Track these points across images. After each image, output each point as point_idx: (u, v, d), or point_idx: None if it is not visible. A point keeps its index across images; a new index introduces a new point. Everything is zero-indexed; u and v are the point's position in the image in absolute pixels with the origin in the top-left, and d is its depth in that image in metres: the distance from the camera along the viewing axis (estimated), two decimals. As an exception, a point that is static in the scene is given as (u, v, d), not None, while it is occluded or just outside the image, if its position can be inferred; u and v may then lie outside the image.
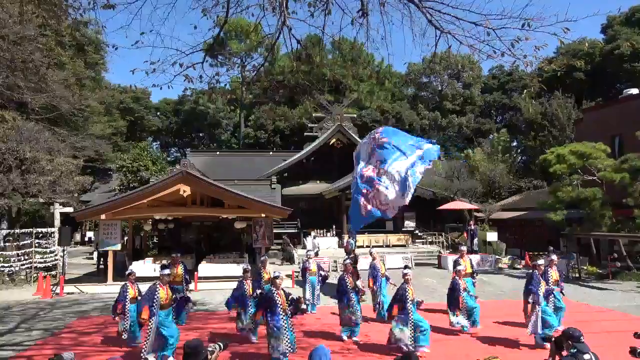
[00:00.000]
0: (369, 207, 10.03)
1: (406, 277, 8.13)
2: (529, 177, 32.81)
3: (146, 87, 38.99)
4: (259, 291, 9.23)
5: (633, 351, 4.68)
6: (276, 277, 7.66)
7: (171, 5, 6.14)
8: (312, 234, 25.88)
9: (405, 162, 9.64)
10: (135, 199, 15.67)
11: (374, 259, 11.53)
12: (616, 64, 36.66)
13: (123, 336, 8.66)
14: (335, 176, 27.20)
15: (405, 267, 8.99)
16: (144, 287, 9.09)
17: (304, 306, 11.67)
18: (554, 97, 34.08)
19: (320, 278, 11.76)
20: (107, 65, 36.76)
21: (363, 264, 14.69)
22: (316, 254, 21.84)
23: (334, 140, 28.70)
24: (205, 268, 16.78)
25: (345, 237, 23.35)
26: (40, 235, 17.88)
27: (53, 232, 18.45)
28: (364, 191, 10.06)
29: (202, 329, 9.85)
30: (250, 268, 9.77)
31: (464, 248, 12.04)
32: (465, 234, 22.48)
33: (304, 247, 24.18)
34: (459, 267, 9.79)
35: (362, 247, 22.96)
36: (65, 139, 20.98)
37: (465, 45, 5.95)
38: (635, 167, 17.48)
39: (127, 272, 9.35)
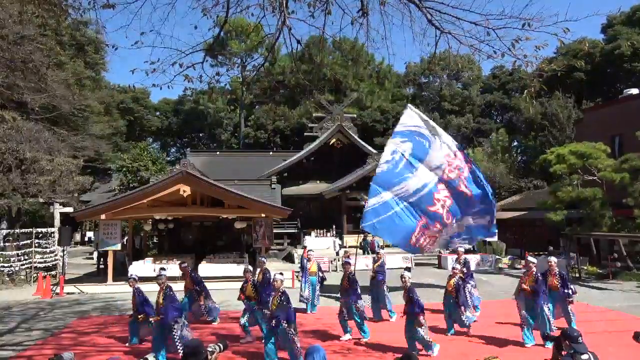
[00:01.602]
0: (420, 240, 10.30)
1: (403, 280, 8.09)
2: (529, 177, 32.82)
3: (146, 87, 39.09)
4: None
5: (636, 336, 4.83)
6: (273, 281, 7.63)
7: (171, 5, 6.14)
8: (313, 234, 25.87)
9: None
10: (135, 199, 15.67)
11: (379, 258, 11.50)
12: (616, 64, 36.64)
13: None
14: (335, 176, 27.17)
15: (406, 269, 8.97)
16: (144, 287, 9.11)
17: (302, 305, 11.71)
18: (554, 97, 34.08)
19: (318, 279, 11.77)
20: (107, 65, 36.83)
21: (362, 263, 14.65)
22: (337, 253, 21.91)
23: (334, 140, 28.69)
24: (205, 268, 16.78)
25: (359, 236, 23.16)
26: (40, 235, 17.88)
27: (53, 232, 18.44)
28: (424, 221, 10.12)
29: (202, 329, 9.85)
30: (250, 268, 9.74)
31: (461, 249, 12.04)
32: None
33: (304, 247, 24.13)
34: (456, 265, 9.89)
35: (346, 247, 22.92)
36: (65, 139, 20.97)
37: (465, 45, 5.93)
38: (635, 167, 17.48)
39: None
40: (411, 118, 10.84)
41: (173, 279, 10.71)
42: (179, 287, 10.23)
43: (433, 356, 7.62)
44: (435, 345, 7.73)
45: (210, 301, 10.53)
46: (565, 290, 9.01)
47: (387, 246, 23.59)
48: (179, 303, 8.09)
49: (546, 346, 7.81)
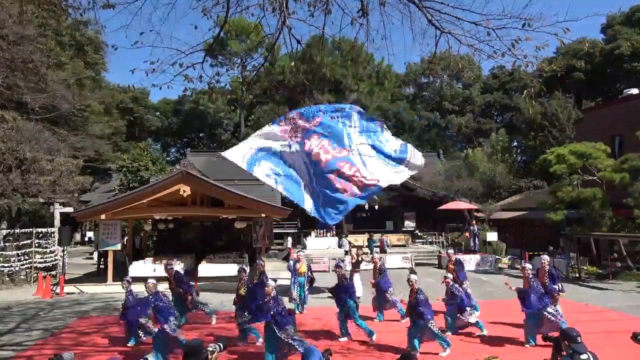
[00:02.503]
0: (353, 189, 9.74)
1: (410, 283, 8.11)
2: (529, 177, 32.82)
3: (146, 87, 38.83)
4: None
5: (635, 336, 4.88)
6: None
7: (171, 5, 6.14)
8: (313, 234, 25.90)
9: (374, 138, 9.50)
10: (135, 199, 15.66)
11: (375, 263, 11.42)
12: (616, 64, 36.65)
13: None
14: (335, 176, 27.14)
15: (411, 270, 9.01)
16: (143, 288, 9.11)
17: (291, 305, 11.67)
18: (554, 97, 34.07)
19: (307, 279, 11.77)
20: (107, 65, 36.87)
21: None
22: (346, 253, 22.00)
23: (334, 140, 28.65)
24: (205, 268, 16.78)
25: (371, 237, 23.19)
26: (40, 235, 17.88)
27: (53, 232, 18.45)
28: (333, 175, 9.65)
29: (202, 329, 9.85)
30: (245, 268, 9.63)
31: (451, 251, 12.04)
32: (467, 234, 22.53)
33: (304, 247, 24.20)
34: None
35: (361, 247, 22.95)
36: (65, 139, 20.98)
37: (465, 45, 5.94)
38: (635, 167, 17.48)
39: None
40: (238, 157, 10.79)
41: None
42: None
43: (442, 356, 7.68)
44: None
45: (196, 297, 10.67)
46: (554, 286, 9.08)
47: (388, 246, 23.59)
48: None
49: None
